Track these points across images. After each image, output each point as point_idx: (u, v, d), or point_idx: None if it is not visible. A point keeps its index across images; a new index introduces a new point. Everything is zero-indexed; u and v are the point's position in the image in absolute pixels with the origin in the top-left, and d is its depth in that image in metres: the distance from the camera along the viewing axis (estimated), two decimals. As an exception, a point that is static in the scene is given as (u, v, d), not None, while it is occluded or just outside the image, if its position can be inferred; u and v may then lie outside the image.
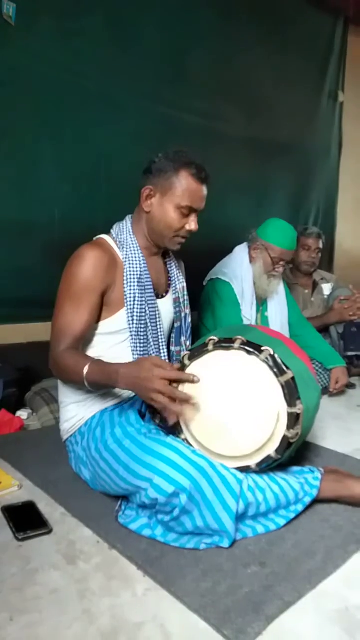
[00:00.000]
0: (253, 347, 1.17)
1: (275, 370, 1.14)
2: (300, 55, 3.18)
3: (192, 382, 1.11)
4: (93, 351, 1.36)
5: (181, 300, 1.53)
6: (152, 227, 1.39)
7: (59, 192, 2.11)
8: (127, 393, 1.35)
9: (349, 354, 2.44)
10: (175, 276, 1.53)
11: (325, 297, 2.70)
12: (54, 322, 1.28)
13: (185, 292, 1.55)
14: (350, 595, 0.98)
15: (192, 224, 1.37)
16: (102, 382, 1.19)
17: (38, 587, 0.98)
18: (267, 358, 1.15)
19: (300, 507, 1.20)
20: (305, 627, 0.90)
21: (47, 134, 2.06)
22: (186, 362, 1.21)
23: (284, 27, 3.02)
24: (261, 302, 2.16)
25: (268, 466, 1.17)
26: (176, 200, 1.34)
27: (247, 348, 1.17)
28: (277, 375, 1.14)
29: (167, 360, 1.45)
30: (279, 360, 1.15)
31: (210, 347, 1.20)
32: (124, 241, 1.38)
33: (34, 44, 1.98)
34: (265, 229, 2.07)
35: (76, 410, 1.37)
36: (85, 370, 1.17)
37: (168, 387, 1.07)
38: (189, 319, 1.57)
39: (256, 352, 1.16)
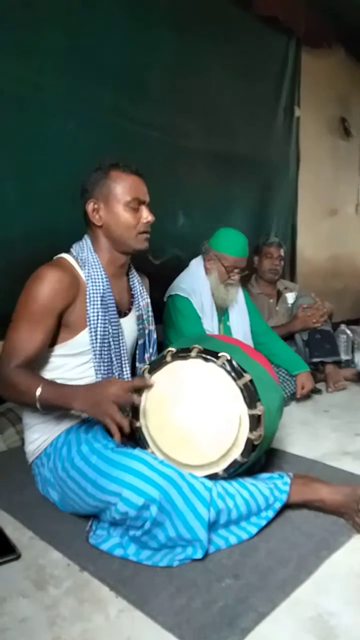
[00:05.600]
0: (210, 354, 1.18)
1: (233, 374, 1.16)
2: (256, 71, 3.28)
3: (146, 385, 1.16)
4: (55, 373, 1.33)
5: (144, 317, 1.52)
6: (112, 237, 1.38)
7: (20, 209, 2.08)
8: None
9: (314, 360, 2.50)
10: (138, 293, 1.52)
11: (289, 305, 2.75)
12: (6, 340, 1.25)
13: (149, 309, 1.54)
14: (323, 601, 0.99)
15: (147, 216, 1.37)
16: (56, 404, 1.16)
17: (5, 618, 0.94)
18: (224, 363, 1.16)
19: (270, 513, 1.21)
20: (281, 638, 0.89)
21: (5, 150, 2.03)
22: (146, 375, 1.22)
23: (241, 44, 3.10)
24: (222, 312, 2.17)
25: (235, 471, 1.17)
26: (120, 199, 1.34)
27: (204, 355, 1.18)
28: (235, 379, 1.15)
29: (131, 378, 1.44)
30: (235, 365, 1.16)
31: (169, 358, 1.21)
32: (86, 259, 1.36)
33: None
34: (215, 239, 2.09)
35: (41, 431, 1.34)
36: (39, 391, 1.14)
37: (125, 393, 1.11)
38: (154, 335, 1.56)
39: (213, 359, 1.17)
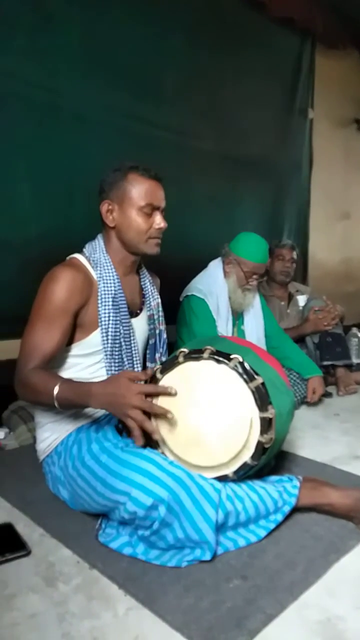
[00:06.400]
0: (222, 355, 1.18)
1: (245, 376, 1.15)
2: (270, 73, 3.27)
3: (169, 394, 1.12)
4: (67, 373, 1.34)
5: (155, 317, 1.52)
6: (123, 239, 1.39)
7: (35, 210, 2.10)
8: (103, 410, 1.34)
9: (325, 363, 2.49)
10: (150, 293, 1.52)
11: (301, 308, 2.74)
12: (24, 341, 1.26)
13: (160, 309, 1.55)
14: (331, 605, 0.98)
15: (160, 222, 1.36)
16: (73, 402, 1.16)
17: (15, 613, 0.95)
18: (236, 365, 1.16)
19: (280, 517, 1.20)
20: (288, 640, 0.90)
21: (21, 152, 2.05)
22: (158, 375, 1.22)
23: (255, 46, 3.10)
24: (237, 316, 2.17)
25: (245, 473, 1.17)
26: (134, 203, 1.34)
27: (216, 357, 1.18)
28: (247, 382, 1.15)
29: None
30: (247, 367, 1.16)
31: (181, 359, 1.21)
32: (98, 260, 1.37)
33: (8, 62, 1.98)
34: (236, 244, 2.09)
35: (52, 430, 1.35)
36: (56, 390, 1.14)
37: (146, 402, 1.08)
38: (164, 335, 1.56)
39: (225, 361, 1.17)
